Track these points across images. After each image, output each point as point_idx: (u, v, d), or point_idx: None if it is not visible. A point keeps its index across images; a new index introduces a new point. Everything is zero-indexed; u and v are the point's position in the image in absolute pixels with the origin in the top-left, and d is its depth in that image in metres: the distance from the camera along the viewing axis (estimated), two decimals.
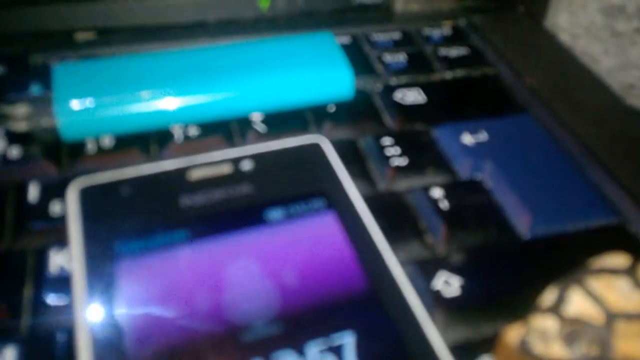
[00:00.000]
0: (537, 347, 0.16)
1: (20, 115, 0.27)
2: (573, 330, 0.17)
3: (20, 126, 0.27)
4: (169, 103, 0.28)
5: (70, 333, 0.20)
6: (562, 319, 0.17)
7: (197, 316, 0.19)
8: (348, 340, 0.18)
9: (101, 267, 0.19)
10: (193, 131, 0.29)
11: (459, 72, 0.36)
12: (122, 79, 0.29)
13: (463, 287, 0.23)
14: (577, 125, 0.32)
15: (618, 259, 0.19)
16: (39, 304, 0.21)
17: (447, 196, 0.27)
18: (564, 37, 0.45)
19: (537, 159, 0.30)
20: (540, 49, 0.39)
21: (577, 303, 0.17)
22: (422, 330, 0.19)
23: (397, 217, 0.26)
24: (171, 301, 0.19)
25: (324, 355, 0.18)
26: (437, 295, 0.23)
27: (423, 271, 0.24)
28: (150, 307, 0.19)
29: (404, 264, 0.25)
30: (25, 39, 0.35)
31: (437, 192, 0.27)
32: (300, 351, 0.18)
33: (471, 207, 0.27)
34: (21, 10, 0.35)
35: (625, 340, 0.16)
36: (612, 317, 0.17)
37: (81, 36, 0.36)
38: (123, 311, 0.19)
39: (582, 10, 0.43)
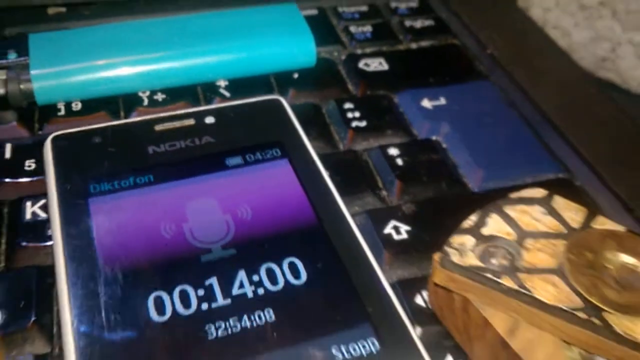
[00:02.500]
0: (455, 258, 0.20)
1: None
2: (488, 245, 0.21)
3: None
4: (137, 69, 0.32)
5: (46, 270, 0.24)
6: (479, 237, 0.21)
7: (164, 244, 0.23)
8: (296, 264, 0.23)
9: (75, 205, 0.24)
10: (160, 96, 0.33)
11: (424, 43, 0.40)
12: (93, 46, 0.33)
13: (410, 232, 0.27)
14: (534, 91, 0.37)
15: (535, 191, 0.23)
16: (15, 246, 0.25)
17: (403, 154, 0.31)
18: (536, 11, 0.49)
19: (492, 121, 0.34)
20: (506, 21, 0.43)
21: (494, 225, 0.21)
22: (362, 258, 0.23)
23: (354, 172, 0.30)
24: (140, 233, 0.23)
25: (274, 274, 0.22)
26: (386, 239, 0.27)
27: (375, 219, 0.28)
28: (120, 238, 0.23)
29: (358, 213, 0.29)
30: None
31: (393, 150, 0.31)
32: (255, 270, 0.22)
33: (425, 163, 0.31)
34: None
35: (532, 253, 0.20)
36: (522, 234, 0.21)
37: (52, 10, 0.40)
38: (96, 242, 0.23)
39: None
